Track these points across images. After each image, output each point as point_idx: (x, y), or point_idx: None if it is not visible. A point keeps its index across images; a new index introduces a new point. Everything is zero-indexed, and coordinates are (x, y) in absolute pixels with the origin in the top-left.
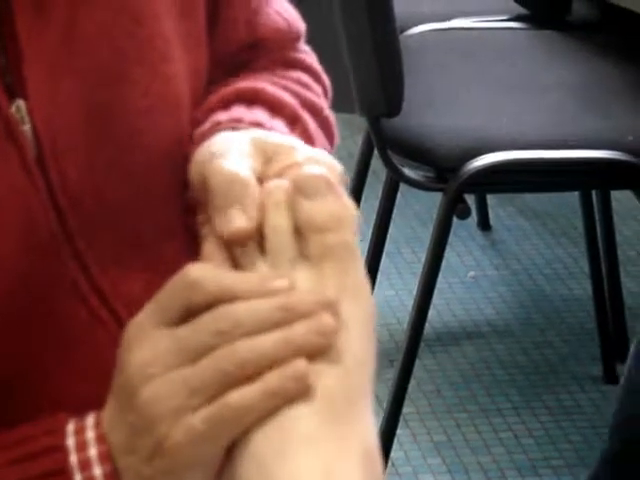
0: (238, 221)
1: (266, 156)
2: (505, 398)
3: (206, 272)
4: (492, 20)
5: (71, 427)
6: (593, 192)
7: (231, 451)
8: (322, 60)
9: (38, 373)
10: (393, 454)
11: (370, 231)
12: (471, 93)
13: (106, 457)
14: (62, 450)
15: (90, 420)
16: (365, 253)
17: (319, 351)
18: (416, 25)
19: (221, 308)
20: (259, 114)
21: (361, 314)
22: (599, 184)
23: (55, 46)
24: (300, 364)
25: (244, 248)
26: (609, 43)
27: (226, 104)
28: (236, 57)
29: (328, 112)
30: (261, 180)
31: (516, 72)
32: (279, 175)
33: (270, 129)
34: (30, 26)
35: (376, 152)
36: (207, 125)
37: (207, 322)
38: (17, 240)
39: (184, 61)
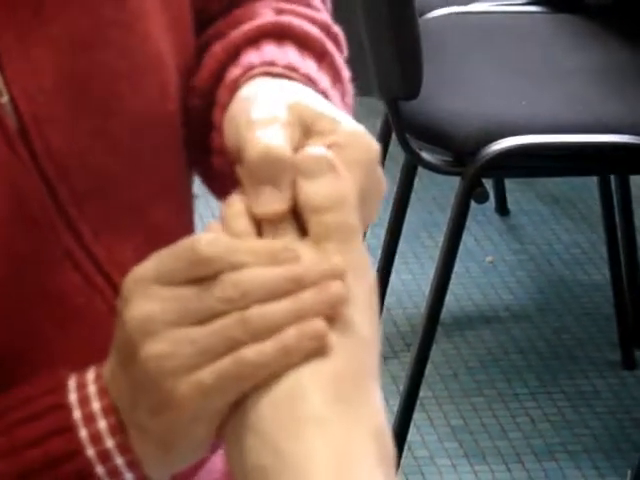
0: (271, 202)
1: (305, 125)
2: (522, 383)
3: (218, 248)
4: (511, 4)
5: (72, 383)
6: (612, 177)
7: (234, 416)
8: None
9: (37, 345)
10: (410, 438)
11: (388, 215)
12: (490, 77)
13: (109, 410)
14: (65, 407)
15: (90, 375)
16: (382, 237)
17: (328, 321)
18: (435, 9)
19: (229, 276)
20: (291, 54)
21: (364, 292)
22: (618, 169)
23: (25, 14)
24: (318, 323)
25: (273, 222)
26: (627, 26)
27: (254, 41)
28: None
29: (335, 27)
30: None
31: (535, 56)
32: None
33: (305, 75)
34: None
35: (394, 136)
36: (239, 70)
37: (215, 289)
38: (6, 213)
39: (162, 13)
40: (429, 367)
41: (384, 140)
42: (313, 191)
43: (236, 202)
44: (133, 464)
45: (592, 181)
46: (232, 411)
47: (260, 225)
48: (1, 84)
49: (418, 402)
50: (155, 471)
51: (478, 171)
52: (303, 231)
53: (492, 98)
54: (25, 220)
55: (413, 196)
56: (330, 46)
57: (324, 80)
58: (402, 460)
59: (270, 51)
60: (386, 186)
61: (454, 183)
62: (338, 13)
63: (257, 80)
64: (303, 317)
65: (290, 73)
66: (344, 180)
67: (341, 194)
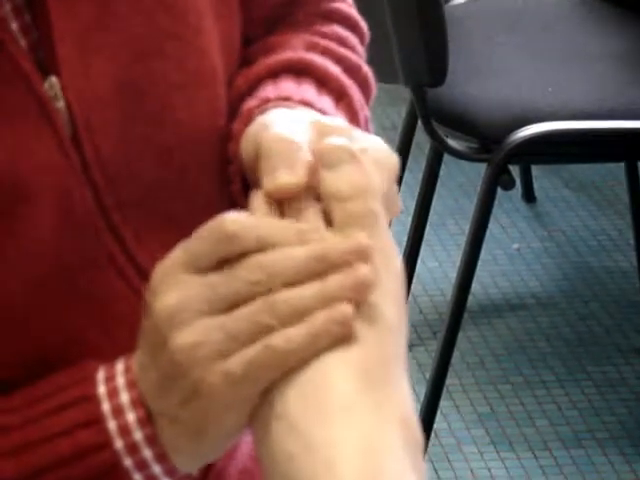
0: (284, 177)
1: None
2: (549, 370)
3: (243, 224)
4: None
5: (101, 375)
6: (639, 163)
7: (262, 403)
8: None
9: (82, 351)
10: (436, 425)
11: (414, 203)
12: (516, 63)
13: (138, 402)
14: (94, 399)
15: (120, 366)
16: (409, 225)
17: (355, 308)
18: None
19: (255, 258)
20: (308, 90)
21: (391, 278)
22: None
23: (87, 21)
24: (346, 308)
25: (294, 207)
26: None
27: (274, 74)
28: (274, 13)
29: (366, 68)
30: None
31: (561, 42)
32: None
33: (320, 110)
34: (61, 1)
35: (420, 124)
36: (255, 101)
37: (242, 272)
38: (53, 218)
39: (216, 31)
40: (456, 354)
41: (410, 128)
42: (335, 180)
43: (261, 194)
44: (162, 456)
45: (619, 167)
46: (260, 398)
47: (283, 213)
48: (58, 89)
49: (445, 389)
50: (186, 463)
51: (504, 158)
52: (328, 222)
53: (518, 84)
54: (72, 225)
55: (439, 183)
56: (351, 88)
57: (340, 117)
58: (429, 447)
59: (287, 87)
60: (401, 206)
61: (480, 170)
62: (363, 1)
63: (272, 110)
64: (330, 301)
65: (305, 107)
66: (366, 168)
67: (363, 181)
